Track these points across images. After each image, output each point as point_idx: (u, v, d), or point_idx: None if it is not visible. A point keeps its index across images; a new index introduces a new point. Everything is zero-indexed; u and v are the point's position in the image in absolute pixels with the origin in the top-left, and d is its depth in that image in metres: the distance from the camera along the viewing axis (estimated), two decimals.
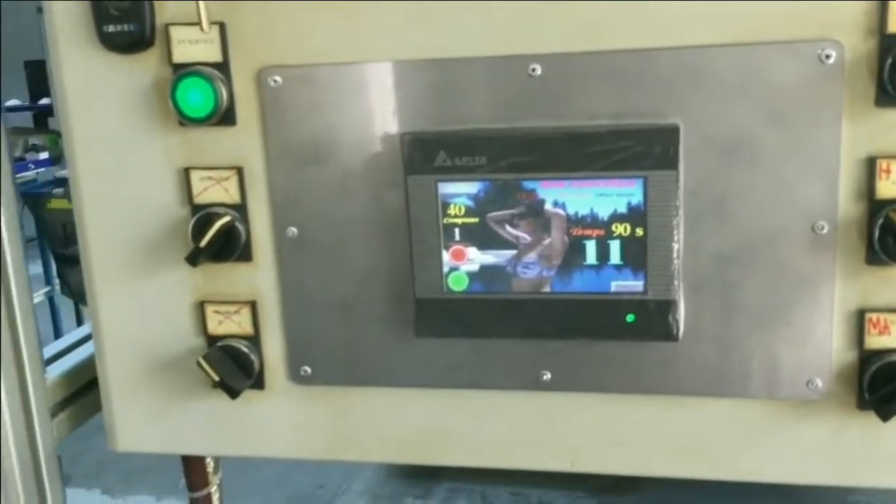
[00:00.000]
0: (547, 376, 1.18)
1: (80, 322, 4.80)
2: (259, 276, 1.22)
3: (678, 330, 1.12)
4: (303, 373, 1.24)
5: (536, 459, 1.23)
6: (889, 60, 1.01)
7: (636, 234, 1.10)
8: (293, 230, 1.19)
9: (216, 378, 1.18)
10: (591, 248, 1.12)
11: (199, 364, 1.18)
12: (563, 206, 1.11)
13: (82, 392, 1.38)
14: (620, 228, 1.10)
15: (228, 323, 1.23)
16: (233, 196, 1.19)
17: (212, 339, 1.24)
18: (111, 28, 1.15)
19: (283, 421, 1.26)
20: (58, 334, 4.42)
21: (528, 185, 1.11)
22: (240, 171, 1.19)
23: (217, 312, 1.23)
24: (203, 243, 1.15)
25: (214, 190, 1.19)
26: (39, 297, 4.58)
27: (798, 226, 1.08)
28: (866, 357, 1.10)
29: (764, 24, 1.04)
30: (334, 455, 1.26)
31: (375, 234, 1.17)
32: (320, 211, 1.18)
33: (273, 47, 1.14)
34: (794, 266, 1.09)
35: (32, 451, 1.27)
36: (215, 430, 1.28)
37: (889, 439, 1.11)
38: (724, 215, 1.09)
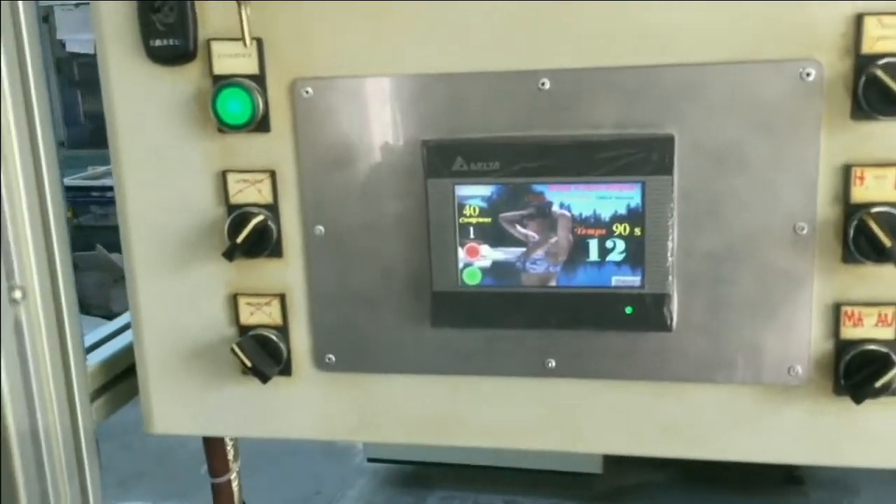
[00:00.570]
0: (552, 363, 1.27)
1: None
2: (288, 271, 1.32)
3: (672, 321, 1.22)
4: (327, 360, 1.34)
5: (541, 440, 1.32)
6: (863, 78, 1.10)
7: (635, 234, 1.20)
8: (320, 228, 1.30)
9: (249, 364, 1.28)
10: (593, 246, 1.22)
11: (233, 351, 1.28)
12: (569, 208, 1.21)
13: (118, 379, 1.48)
14: (620, 228, 1.20)
15: (259, 314, 1.33)
16: (265, 197, 1.29)
17: (243, 329, 1.34)
18: (158, 42, 1.25)
19: (308, 405, 1.36)
20: None
21: (537, 188, 1.21)
22: (272, 174, 1.29)
23: (249, 304, 1.33)
24: (239, 239, 1.25)
25: (249, 191, 1.29)
26: None
27: (781, 227, 1.18)
28: (842, 346, 1.19)
29: (752, 44, 1.14)
30: (355, 436, 1.36)
31: (396, 233, 1.27)
32: (346, 211, 1.28)
33: (305, 61, 1.24)
34: (776, 263, 1.19)
35: (74, 433, 1.35)
36: (245, 413, 1.38)
37: (862, 421, 1.21)
38: (715, 217, 1.19)
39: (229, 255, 1.26)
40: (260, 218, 1.28)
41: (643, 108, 1.18)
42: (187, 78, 1.27)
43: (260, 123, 1.26)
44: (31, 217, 1.26)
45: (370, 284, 1.30)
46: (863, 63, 1.12)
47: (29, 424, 1.27)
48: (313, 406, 1.36)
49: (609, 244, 1.21)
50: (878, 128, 1.14)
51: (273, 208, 1.30)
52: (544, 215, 1.22)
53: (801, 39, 1.14)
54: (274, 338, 1.33)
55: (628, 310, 1.22)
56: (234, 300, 1.34)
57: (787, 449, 1.25)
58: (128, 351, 1.45)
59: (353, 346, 1.33)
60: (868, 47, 1.12)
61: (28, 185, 1.25)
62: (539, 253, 1.23)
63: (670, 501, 4.15)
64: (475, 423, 1.33)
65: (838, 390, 1.21)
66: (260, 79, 1.25)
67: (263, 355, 1.31)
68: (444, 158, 1.22)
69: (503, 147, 1.21)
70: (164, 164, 1.31)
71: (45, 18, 6.50)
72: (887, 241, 1.11)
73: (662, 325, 1.22)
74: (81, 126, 7.06)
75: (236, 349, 1.28)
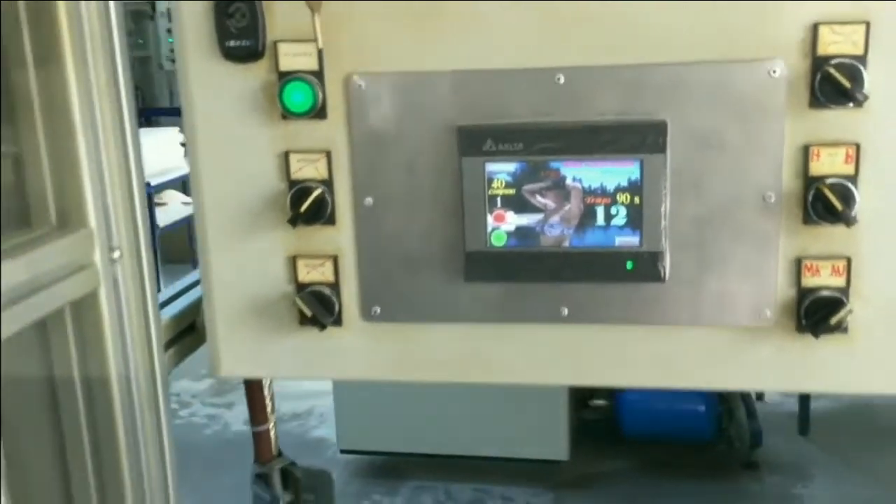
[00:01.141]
0: (565, 311, 1.50)
1: None
2: (340, 236, 1.54)
3: (665, 274, 1.45)
4: (373, 312, 1.56)
5: (553, 375, 1.56)
6: (819, 75, 1.34)
7: (634, 202, 1.43)
8: (369, 200, 1.51)
9: (309, 314, 1.51)
10: (600, 212, 1.44)
11: (296, 303, 1.51)
12: (580, 181, 1.44)
13: (183, 333, 1.70)
14: (623, 198, 1.43)
15: (314, 273, 1.55)
16: (322, 173, 1.51)
17: (300, 286, 1.55)
18: (232, 43, 1.46)
19: (356, 351, 1.58)
20: None
21: (554, 164, 1.44)
22: (328, 154, 1.50)
23: (306, 265, 1.55)
24: (302, 209, 1.47)
25: (307, 169, 1.51)
26: None
27: (753, 196, 1.41)
28: (803, 293, 1.43)
29: (729, 46, 1.37)
30: (397, 376, 1.59)
31: (434, 203, 1.49)
32: (391, 185, 1.50)
33: (358, 58, 1.46)
34: (749, 226, 1.42)
35: (152, 379, 1.55)
36: (301, 358, 1.60)
37: (820, 353, 1.45)
38: (699, 188, 1.42)
39: (293, 221, 1.48)
40: (318, 191, 1.50)
41: (641, 99, 1.41)
42: (256, 74, 1.49)
43: (319, 111, 1.48)
44: (122, 187, 1.46)
45: (411, 247, 1.52)
46: (819, 63, 1.34)
47: (123, 367, 1.48)
48: (360, 352, 1.58)
49: (613, 211, 1.44)
50: (832, 115, 1.37)
51: (328, 183, 1.51)
52: (559, 187, 1.45)
53: (770, 43, 1.37)
54: (328, 293, 1.55)
55: (629, 265, 1.45)
56: (293, 261, 1.55)
57: (759, 379, 1.50)
58: (192, 308, 1.68)
59: (396, 299, 1.55)
60: (823, 50, 1.35)
61: (120, 160, 1.45)
62: (555, 218, 1.46)
63: (632, 487, 4.28)
64: (498, 364, 1.55)
65: (800, 329, 1.44)
66: (319, 74, 1.47)
67: (319, 307, 1.54)
68: (476, 140, 1.45)
69: (526, 131, 1.44)
70: (233, 148, 1.53)
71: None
72: (839, 206, 1.35)
73: (657, 277, 1.45)
74: None
75: (299, 301, 1.51)
